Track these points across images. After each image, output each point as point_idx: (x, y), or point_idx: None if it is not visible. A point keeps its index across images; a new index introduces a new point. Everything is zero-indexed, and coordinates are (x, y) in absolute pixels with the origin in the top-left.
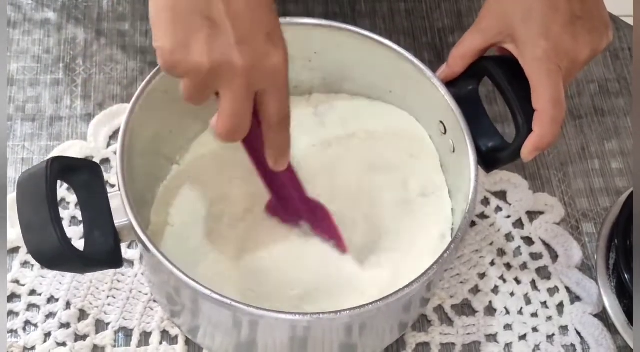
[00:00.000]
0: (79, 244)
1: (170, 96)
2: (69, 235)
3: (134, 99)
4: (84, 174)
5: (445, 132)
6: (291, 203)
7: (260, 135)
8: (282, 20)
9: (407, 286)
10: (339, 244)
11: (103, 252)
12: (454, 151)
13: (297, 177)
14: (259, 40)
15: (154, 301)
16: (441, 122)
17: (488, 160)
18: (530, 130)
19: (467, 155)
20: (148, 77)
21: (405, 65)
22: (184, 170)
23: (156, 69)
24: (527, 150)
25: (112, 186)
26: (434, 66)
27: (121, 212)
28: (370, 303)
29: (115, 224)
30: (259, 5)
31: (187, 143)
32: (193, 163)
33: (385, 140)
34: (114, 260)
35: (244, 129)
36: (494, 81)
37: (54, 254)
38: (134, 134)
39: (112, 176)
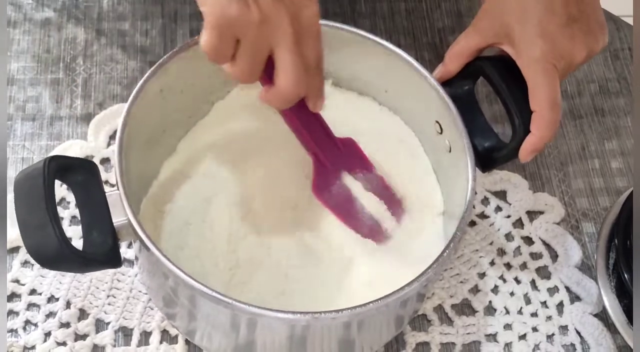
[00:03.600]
0: (80, 243)
1: (165, 95)
2: (69, 234)
3: (130, 98)
4: (81, 174)
5: (441, 132)
6: (329, 150)
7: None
8: None
9: (407, 285)
10: (376, 177)
11: (102, 252)
12: (450, 151)
13: (326, 123)
14: None
15: None
16: (437, 122)
17: (484, 160)
18: (527, 131)
19: (464, 155)
20: (144, 77)
21: (401, 64)
22: (176, 167)
23: (152, 69)
24: (526, 152)
25: (112, 186)
26: (434, 66)
27: (120, 211)
28: (371, 302)
29: (114, 223)
30: None
31: (178, 142)
32: (184, 161)
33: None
34: (113, 259)
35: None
36: (489, 81)
37: (53, 254)
38: (131, 134)
39: (112, 175)
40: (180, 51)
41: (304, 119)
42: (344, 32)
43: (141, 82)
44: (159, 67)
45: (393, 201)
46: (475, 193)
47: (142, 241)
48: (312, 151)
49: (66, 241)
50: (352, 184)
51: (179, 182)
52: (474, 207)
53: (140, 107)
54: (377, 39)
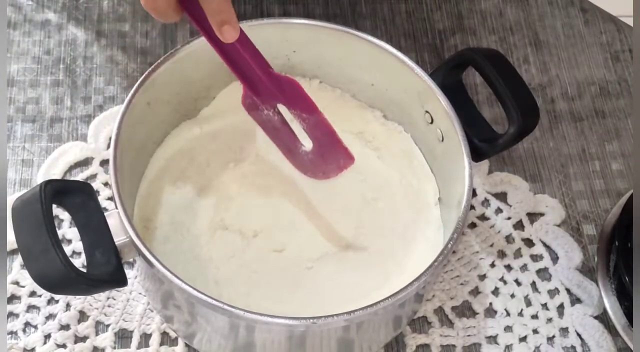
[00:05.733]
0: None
1: (152, 108)
2: (71, 238)
3: (119, 116)
4: (78, 196)
5: (432, 122)
6: (260, 85)
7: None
8: (260, 21)
9: (409, 285)
10: (320, 118)
11: (107, 272)
12: (442, 140)
13: (258, 53)
14: None
15: None
16: (427, 112)
17: (477, 150)
18: (522, 117)
19: (457, 142)
20: (132, 90)
21: (386, 57)
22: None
23: (139, 81)
24: None
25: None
26: (434, 67)
27: (120, 230)
28: (369, 306)
29: (116, 243)
30: None
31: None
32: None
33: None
34: (119, 278)
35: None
36: (480, 70)
37: (59, 279)
38: (123, 150)
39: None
40: (165, 61)
41: (223, 46)
42: (327, 29)
43: (129, 97)
44: (146, 79)
45: (334, 148)
46: (475, 193)
47: (146, 259)
48: (240, 80)
49: (71, 265)
50: (292, 121)
51: (157, 196)
52: (474, 208)
53: (129, 122)
54: (359, 33)
